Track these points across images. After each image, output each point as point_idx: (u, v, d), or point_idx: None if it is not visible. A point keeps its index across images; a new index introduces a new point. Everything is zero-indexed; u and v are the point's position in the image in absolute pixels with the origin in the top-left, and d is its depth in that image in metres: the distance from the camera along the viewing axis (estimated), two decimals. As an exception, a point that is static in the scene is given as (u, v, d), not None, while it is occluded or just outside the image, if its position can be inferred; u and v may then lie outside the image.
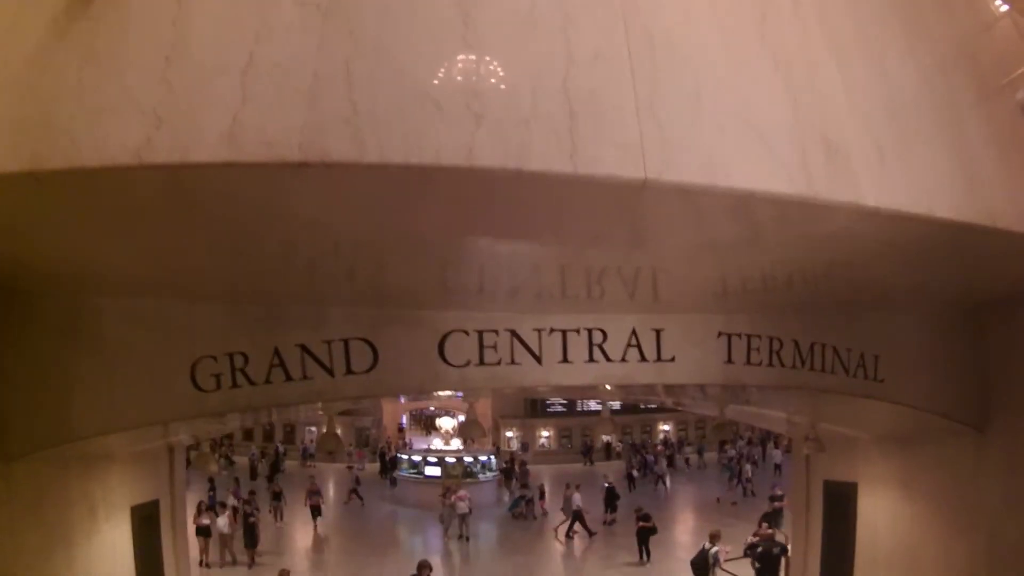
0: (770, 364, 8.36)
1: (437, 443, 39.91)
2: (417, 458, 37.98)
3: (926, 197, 5.26)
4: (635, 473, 38.81)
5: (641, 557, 22.68)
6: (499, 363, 7.51)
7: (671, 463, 44.22)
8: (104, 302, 7.04)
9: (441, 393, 17.76)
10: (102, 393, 7.06)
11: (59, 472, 9.08)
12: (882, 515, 12.70)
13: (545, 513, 31.63)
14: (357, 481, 35.17)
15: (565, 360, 7.70)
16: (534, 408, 55.29)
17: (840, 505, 14.06)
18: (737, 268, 6.74)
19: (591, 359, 7.76)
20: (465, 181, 3.99)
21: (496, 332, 7.52)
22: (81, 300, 7.03)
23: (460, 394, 12.62)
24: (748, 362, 8.25)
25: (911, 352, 9.22)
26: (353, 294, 7.12)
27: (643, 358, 7.87)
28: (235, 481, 32.42)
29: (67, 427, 7.12)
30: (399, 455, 40.45)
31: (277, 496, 28.80)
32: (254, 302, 7.14)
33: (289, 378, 7.10)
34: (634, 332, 7.86)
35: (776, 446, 45.35)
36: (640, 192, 4.09)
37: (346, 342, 7.20)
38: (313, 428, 52.25)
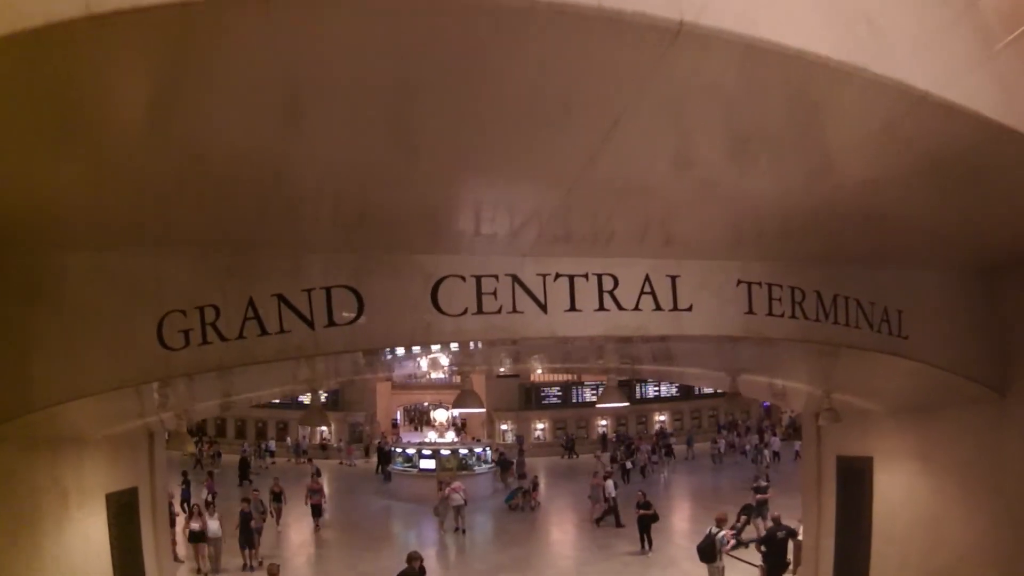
0: (792, 316, 7.75)
1: (432, 436, 39.56)
2: (411, 451, 37.65)
3: (969, 95, 4.68)
4: (628, 465, 38.36)
5: (643, 546, 22.42)
6: (499, 311, 6.78)
7: (668, 453, 44.08)
8: (66, 257, 6.41)
9: (434, 375, 17.05)
10: (63, 356, 6.44)
11: (26, 455, 8.59)
12: (899, 489, 12.43)
13: (539, 504, 31.56)
14: (318, 473, 34.41)
15: (573, 308, 6.97)
16: (528, 400, 55.35)
17: (855, 481, 13.79)
18: (760, 194, 6.01)
19: (601, 307, 7.03)
20: (465, 20, 3.28)
21: (496, 277, 6.80)
22: (41, 256, 6.39)
23: (454, 368, 11.95)
24: (770, 313, 7.62)
25: (934, 310, 8.85)
26: (335, 236, 6.42)
27: (658, 307, 7.17)
28: (209, 475, 31.78)
29: (27, 396, 6.46)
30: (393, 449, 40.18)
31: (277, 496, 27.08)
32: (226, 249, 6.45)
33: (264, 332, 6.39)
34: (648, 279, 7.16)
35: (774, 433, 45.38)
36: (673, 42, 3.38)
37: (328, 290, 6.49)
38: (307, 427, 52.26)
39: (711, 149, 5.07)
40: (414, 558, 14.17)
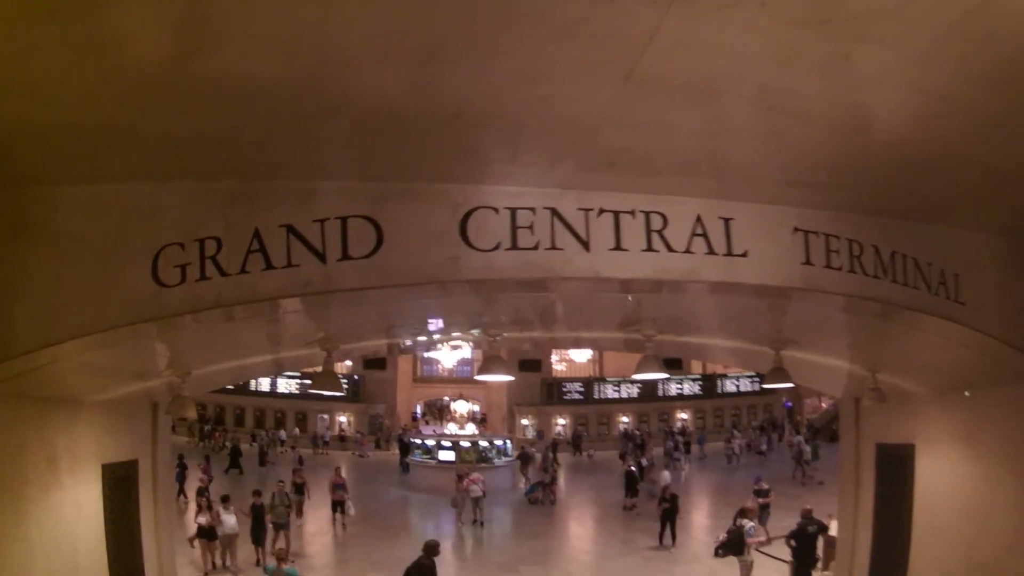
0: (851, 271, 7.06)
1: (452, 428, 39.22)
2: (431, 442, 37.47)
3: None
4: (644, 462, 37.88)
5: (662, 541, 21.94)
6: (536, 248, 6.07)
7: (686, 450, 43.62)
8: (60, 191, 5.91)
9: (452, 364, 16.45)
10: (48, 296, 5.96)
11: (11, 411, 8.02)
12: (943, 477, 11.87)
13: (556, 499, 31.34)
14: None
15: (618, 247, 6.25)
16: (550, 395, 55.20)
17: (895, 470, 13.17)
18: (825, 109, 5.24)
19: (649, 247, 6.31)
20: None
21: (532, 210, 6.08)
22: (34, 192, 5.91)
23: (476, 334, 11.34)
24: (828, 265, 6.92)
25: (991, 277, 8.25)
26: (354, 160, 5.78)
27: (711, 250, 6.46)
28: (206, 459, 31.58)
29: (9, 338, 5.97)
30: (412, 440, 40.32)
31: (299, 489, 25.11)
32: (231, 175, 5.84)
33: (270, 266, 5.76)
34: (699, 219, 6.45)
35: (796, 432, 44.68)
36: None
37: (343, 220, 5.83)
38: (325, 416, 52.40)
39: (785, 27, 4.29)
40: (431, 548, 13.28)
